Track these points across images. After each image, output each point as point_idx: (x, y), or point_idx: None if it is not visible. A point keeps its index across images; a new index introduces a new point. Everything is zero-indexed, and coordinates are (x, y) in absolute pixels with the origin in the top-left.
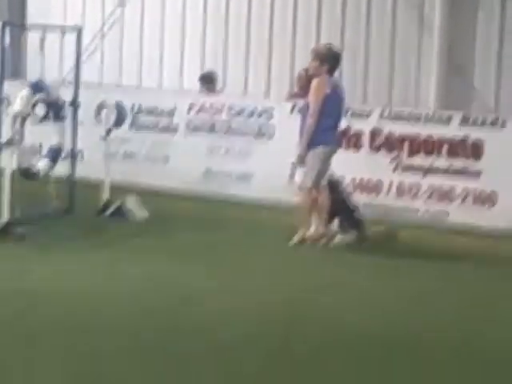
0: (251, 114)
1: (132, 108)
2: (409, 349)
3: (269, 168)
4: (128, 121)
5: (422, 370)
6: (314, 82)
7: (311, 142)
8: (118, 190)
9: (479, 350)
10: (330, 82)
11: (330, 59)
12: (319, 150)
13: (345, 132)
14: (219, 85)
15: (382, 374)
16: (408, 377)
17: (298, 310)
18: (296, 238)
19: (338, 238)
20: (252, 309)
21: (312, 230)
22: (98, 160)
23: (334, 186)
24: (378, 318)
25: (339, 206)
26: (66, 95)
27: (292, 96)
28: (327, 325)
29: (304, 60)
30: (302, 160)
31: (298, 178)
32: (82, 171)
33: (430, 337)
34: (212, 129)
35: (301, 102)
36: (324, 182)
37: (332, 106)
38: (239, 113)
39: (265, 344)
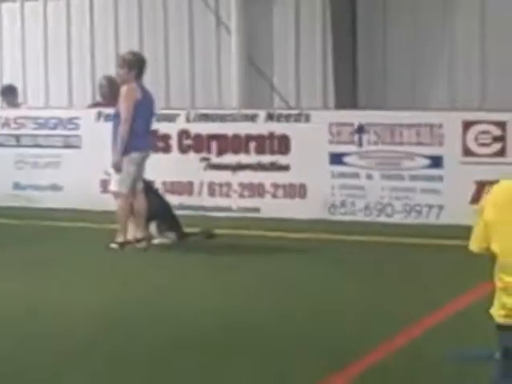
0: (56, 125)
1: None
2: (250, 341)
3: (79, 177)
4: None
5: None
6: (124, 89)
7: (125, 149)
8: None
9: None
10: (139, 87)
11: (136, 65)
12: (134, 156)
13: (153, 135)
14: (20, 98)
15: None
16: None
17: (125, 317)
18: (115, 245)
19: (157, 241)
20: (78, 317)
21: (130, 234)
22: None
23: (149, 190)
24: (211, 313)
25: (155, 209)
26: None
27: (95, 105)
28: (161, 328)
29: (104, 68)
30: (118, 167)
31: (113, 185)
32: None
33: (269, 329)
34: (18, 142)
35: (106, 110)
36: (140, 187)
37: (143, 111)
38: (44, 124)
39: (107, 346)
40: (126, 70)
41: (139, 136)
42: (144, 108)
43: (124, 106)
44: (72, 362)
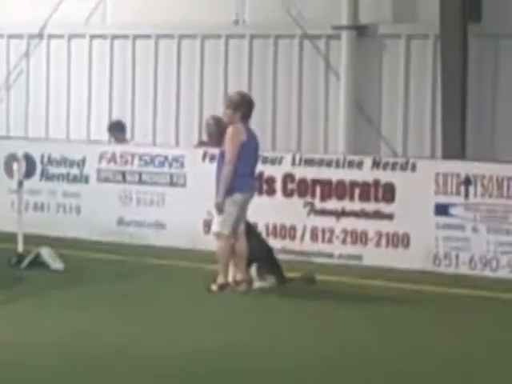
0: (162, 163)
1: (41, 159)
2: None
3: (182, 216)
4: (38, 172)
5: None
6: (230, 130)
7: (228, 190)
8: (30, 241)
9: None
10: (245, 129)
11: (243, 106)
12: (237, 197)
13: (258, 178)
14: (128, 134)
15: None
16: None
17: (222, 360)
18: (215, 286)
19: (257, 284)
20: (175, 359)
21: (231, 276)
22: (6, 212)
23: (251, 232)
24: (303, 362)
25: (256, 251)
26: None
27: (201, 144)
28: (255, 375)
29: (212, 108)
30: (220, 208)
31: (215, 225)
32: None
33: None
34: (123, 178)
35: (211, 150)
36: (242, 229)
37: (248, 152)
38: (150, 161)
39: None
40: (231, 110)
41: (243, 177)
42: (249, 150)
43: (229, 147)
44: None
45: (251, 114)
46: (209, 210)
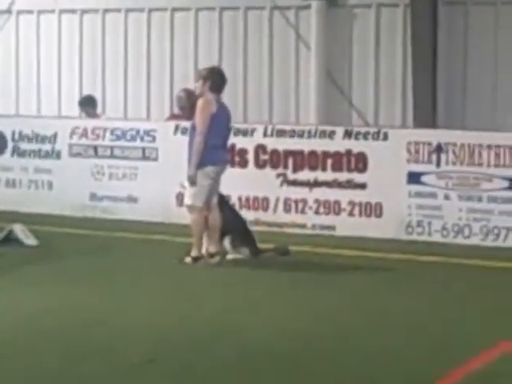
0: (134, 137)
1: (12, 136)
2: (310, 364)
3: (155, 190)
4: (9, 148)
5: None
6: (200, 102)
7: (200, 162)
8: (2, 218)
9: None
10: (215, 101)
11: (212, 76)
12: (209, 170)
13: (230, 150)
14: (99, 109)
15: None
16: None
17: (198, 331)
18: (189, 258)
19: (231, 256)
20: (150, 333)
21: (204, 249)
22: None
23: (224, 204)
24: (279, 334)
25: (230, 223)
26: None
27: (173, 117)
28: (230, 344)
29: (183, 81)
30: (192, 180)
31: (187, 198)
32: None
33: (336, 351)
34: (95, 153)
35: (183, 123)
36: (214, 201)
37: (219, 124)
38: (122, 136)
39: (168, 365)
40: (201, 81)
41: (215, 150)
42: (219, 121)
43: (199, 119)
44: (129, 379)
45: (223, 87)
46: (181, 182)
